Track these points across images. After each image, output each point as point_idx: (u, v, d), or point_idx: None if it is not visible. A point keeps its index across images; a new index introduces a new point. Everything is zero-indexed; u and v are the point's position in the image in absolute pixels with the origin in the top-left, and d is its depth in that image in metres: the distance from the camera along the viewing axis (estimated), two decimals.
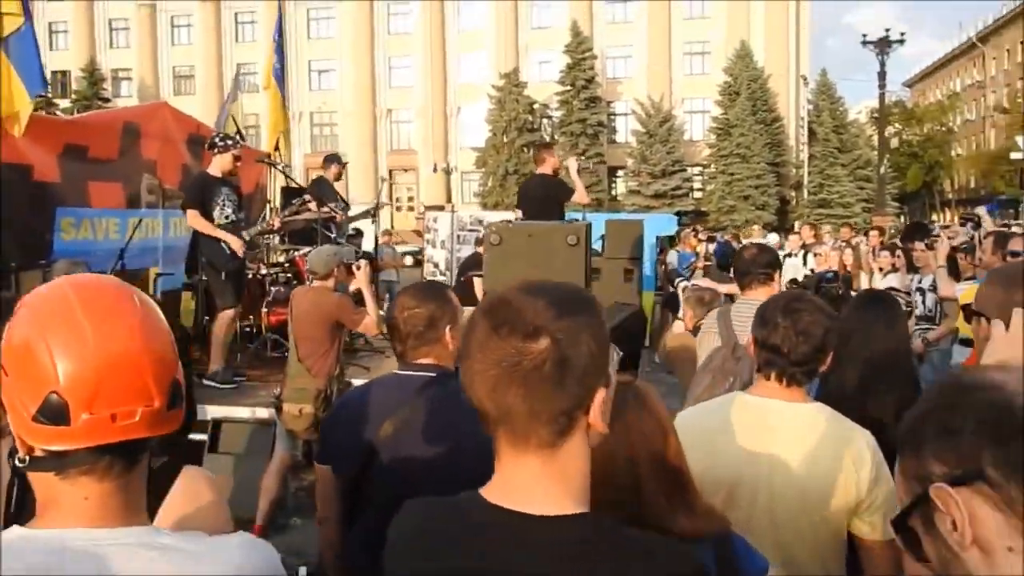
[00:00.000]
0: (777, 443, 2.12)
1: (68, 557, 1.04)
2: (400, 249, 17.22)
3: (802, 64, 43.89)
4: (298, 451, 5.17)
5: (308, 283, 5.54)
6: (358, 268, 5.30)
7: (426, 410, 2.28)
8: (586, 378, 1.09)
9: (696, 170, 42.60)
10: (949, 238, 6.53)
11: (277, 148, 10.66)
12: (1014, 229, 8.95)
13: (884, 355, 2.87)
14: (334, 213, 7.87)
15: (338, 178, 8.60)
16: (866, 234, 12.98)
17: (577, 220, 6.07)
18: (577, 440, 1.11)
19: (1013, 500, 0.84)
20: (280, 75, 11.11)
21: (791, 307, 2.21)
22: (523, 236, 4.41)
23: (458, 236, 16.67)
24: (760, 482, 2.11)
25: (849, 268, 9.67)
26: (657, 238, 12.80)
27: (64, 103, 44.37)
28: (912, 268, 7.06)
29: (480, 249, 7.64)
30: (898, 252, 7.66)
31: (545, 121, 43.38)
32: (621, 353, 1.19)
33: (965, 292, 4.70)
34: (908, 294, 6.58)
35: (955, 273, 5.86)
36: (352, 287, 5.45)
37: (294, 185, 9.70)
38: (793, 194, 41.70)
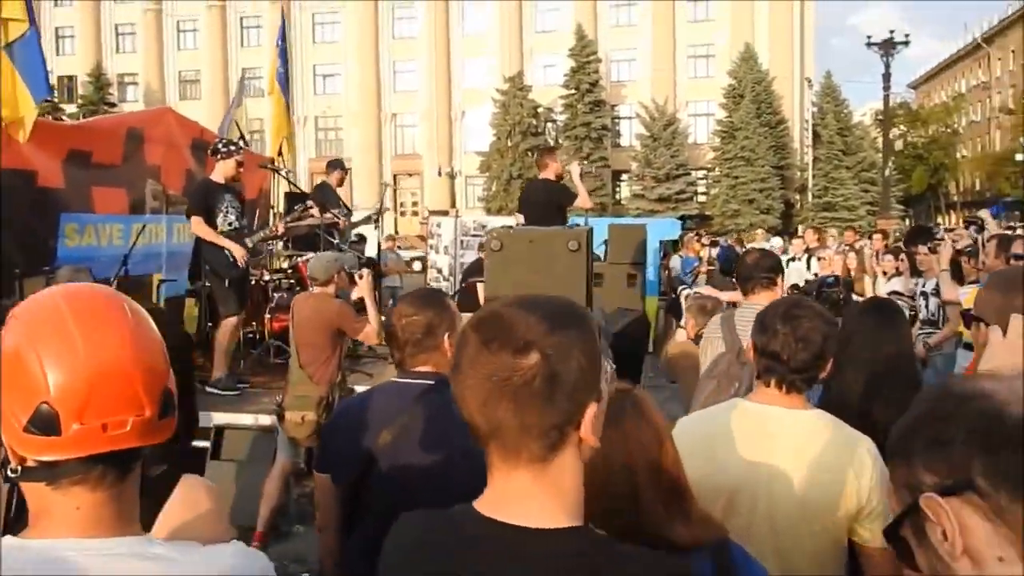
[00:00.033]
0: (777, 450, 2.11)
1: (59, 567, 1.03)
2: (404, 254, 17.17)
3: (806, 66, 43.80)
4: (300, 458, 5.17)
5: (309, 289, 5.54)
6: (360, 277, 5.30)
7: (424, 418, 2.28)
8: (576, 393, 1.08)
9: (700, 173, 42.55)
10: (953, 241, 6.52)
11: (280, 153, 10.67)
12: (1018, 232, 8.92)
13: (887, 360, 2.85)
14: (337, 219, 7.88)
15: (341, 183, 8.64)
16: (870, 237, 12.94)
17: (579, 225, 6.06)
18: (569, 454, 1.11)
19: (1003, 510, 0.84)
20: (284, 80, 11.12)
21: (790, 313, 2.20)
22: (524, 242, 4.40)
23: (461, 241, 16.64)
24: (760, 489, 2.10)
25: (853, 272, 9.66)
26: (661, 243, 12.77)
27: (71, 108, 44.62)
28: (916, 272, 7.03)
29: (483, 255, 7.63)
30: (901, 256, 7.64)
31: (549, 125, 43.37)
32: (614, 366, 1.18)
33: (968, 296, 4.69)
34: (912, 298, 6.56)
35: (959, 277, 5.84)
36: (354, 295, 5.45)
37: (297, 190, 9.72)
38: (797, 197, 41.58)
